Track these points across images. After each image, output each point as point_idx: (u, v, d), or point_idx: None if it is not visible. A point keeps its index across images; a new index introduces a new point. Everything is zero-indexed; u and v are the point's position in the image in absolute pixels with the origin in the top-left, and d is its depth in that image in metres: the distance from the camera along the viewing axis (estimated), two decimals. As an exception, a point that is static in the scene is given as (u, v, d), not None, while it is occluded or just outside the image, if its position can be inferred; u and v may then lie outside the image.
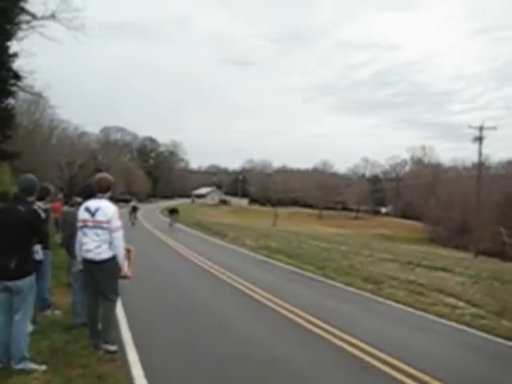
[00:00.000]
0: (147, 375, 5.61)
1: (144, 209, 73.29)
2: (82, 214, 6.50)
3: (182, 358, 6.50)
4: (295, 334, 8.13)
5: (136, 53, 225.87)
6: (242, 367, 6.27)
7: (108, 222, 6.33)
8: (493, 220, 60.46)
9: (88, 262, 6.43)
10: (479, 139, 44.45)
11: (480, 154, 45.38)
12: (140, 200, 45.46)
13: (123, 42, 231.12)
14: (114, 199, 7.58)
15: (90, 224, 6.39)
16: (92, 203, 6.50)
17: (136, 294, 10.39)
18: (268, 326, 8.66)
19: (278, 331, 8.29)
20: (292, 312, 9.60)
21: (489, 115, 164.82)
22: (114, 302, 6.64)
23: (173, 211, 39.38)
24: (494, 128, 45.37)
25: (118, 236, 6.39)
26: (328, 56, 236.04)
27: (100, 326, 6.54)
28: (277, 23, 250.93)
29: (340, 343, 7.58)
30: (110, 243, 6.35)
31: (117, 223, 6.40)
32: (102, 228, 6.33)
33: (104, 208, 6.40)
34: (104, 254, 6.33)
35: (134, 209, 39.21)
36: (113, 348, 6.40)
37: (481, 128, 44.31)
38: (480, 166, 48.02)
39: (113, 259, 6.37)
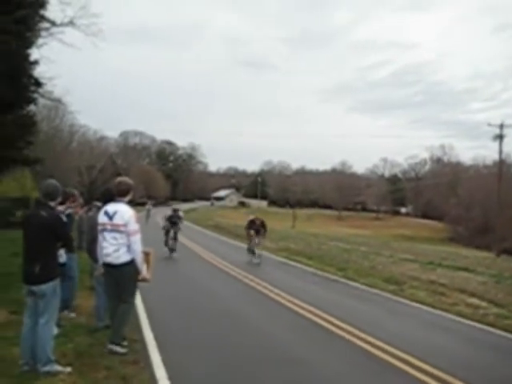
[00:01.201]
0: (171, 376, 5.66)
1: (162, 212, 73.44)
2: (101, 218, 6.59)
3: (205, 358, 6.54)
4: (317, 335, 8.14)
5: (153, 57, 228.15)
6: (266, 369, 6.27)
7: (125, 225, 6.37)
8: (515, 219, 59.72)
9: (108, 266, 6.51)
10: (499, 137, 44.02)
11: (500, 151, 44.95)
12: (158, 203, 43.30)
13: (140, 47, 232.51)
14: (133, 203, 7.64)
15: (109, 227, 6.46)
16: (110, 207, 6.57)
17: (157, 296, 10.49)
18: (290, 327, 8.66)
19: (300, 332, 8.29)
20: (314, 313, 9.61)
21: (509, 113, 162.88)
22: (130, 305, 6.72)
23: (256, 225, 19.96)
24: (515, 125, 44.94)
25: (136, 240, 6.42)
26: (344, 57, 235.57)
27: (113, 325, 6.62)
28: (291, 25, 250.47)
29: (362, 344, 7.57)
30: (129, 247, 6.40)
31: (134, 227, 6.42)
32: (120, 231, 6.39)
33: (121, 211, 6.45)
34: (122, 257, 6.38)
35: (174, 221, 19.77)
36: (121, 350, 6.42)
37: (501, 126, 43.86)
38: (501, 163, 47.51)
39: (131, 263, 6.41)
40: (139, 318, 8.53)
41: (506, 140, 44.90)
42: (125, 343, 6.61)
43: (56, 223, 5.61)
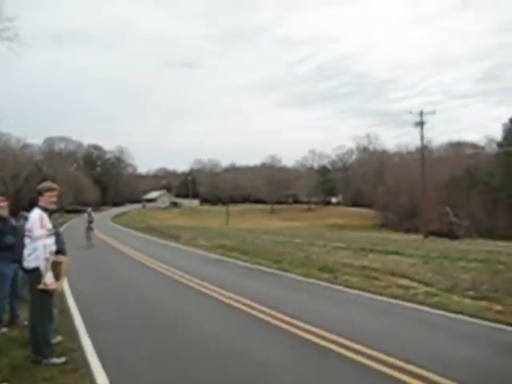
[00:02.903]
0: (112, 382, 5.58)
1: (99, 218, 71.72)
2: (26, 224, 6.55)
3: (146, 359, 6.49)
4: (254, 327, 8.20)
5: (76, 61, 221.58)
6: (202, 362, 6.31)
7: (30, 230, 6.27)
8: (440, 201, 62.16)
9: (24, 271, 6.50)
10: (420, 124, 45.95)
11: (422, 138, 46.83)
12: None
13: (63, 51, 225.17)
14: (62, 210, 7.49)
15: (26, 233, 6.39)
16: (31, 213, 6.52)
17: (96, 301, 10.31)
18: (224, 321, 8.69)
19: (234, 324, 8.35)
20: (248, 306, 9.67)
21: (428, 100, 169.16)
22: (42, 313, 6.36)
23: None
24: (433, 112, 47.51)
25: (38, 246, 6.15)
26: (270, 52, 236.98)
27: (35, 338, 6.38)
28: (217, 22, 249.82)
29: (299, 332, 7.69)
30: None
31: (37, 232, 6.17)
32: (29, 237, 6.29)
33: (31, 217, 6.39)
34: (33, 262, 6.22)
35: None
36: (58, 361, 6.22)
37: (421, 113, 45.80)
38: (423, 149, 49.40)
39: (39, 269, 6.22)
40: (74, 323, 8.37)
41: (426, 126, 46.83)
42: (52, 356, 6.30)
43: None
